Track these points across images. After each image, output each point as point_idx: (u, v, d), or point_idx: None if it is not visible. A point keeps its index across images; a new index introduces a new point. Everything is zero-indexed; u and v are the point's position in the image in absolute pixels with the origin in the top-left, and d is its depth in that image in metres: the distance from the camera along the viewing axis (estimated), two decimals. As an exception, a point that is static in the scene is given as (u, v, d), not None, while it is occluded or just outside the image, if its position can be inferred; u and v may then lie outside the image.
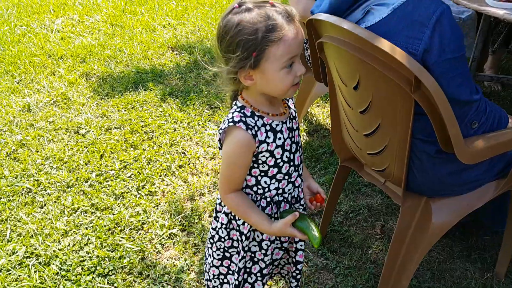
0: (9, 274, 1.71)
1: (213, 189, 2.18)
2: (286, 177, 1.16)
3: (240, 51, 0.99)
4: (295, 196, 1.22)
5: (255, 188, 1.14)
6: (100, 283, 1.68)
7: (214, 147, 2.49)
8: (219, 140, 1.11)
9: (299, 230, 1.11)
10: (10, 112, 2.79)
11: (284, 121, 1.13)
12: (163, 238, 1.88)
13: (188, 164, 2.34)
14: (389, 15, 1.17)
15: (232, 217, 1.18)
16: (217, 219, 1.22)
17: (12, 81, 3.16)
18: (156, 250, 1.83)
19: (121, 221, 1.96)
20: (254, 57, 0.99)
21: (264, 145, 1.09)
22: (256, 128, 1.07)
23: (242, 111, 1.08)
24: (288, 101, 1.20)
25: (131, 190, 2.14)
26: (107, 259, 1.77)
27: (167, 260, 1.79)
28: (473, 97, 1.26)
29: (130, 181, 2.21)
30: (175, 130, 2.64)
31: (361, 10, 1.21)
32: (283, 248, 1.26)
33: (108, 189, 2.15)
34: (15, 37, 3.84)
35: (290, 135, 1.15)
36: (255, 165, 1.12)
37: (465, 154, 1.22)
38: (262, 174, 1.13)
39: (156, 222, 1.96)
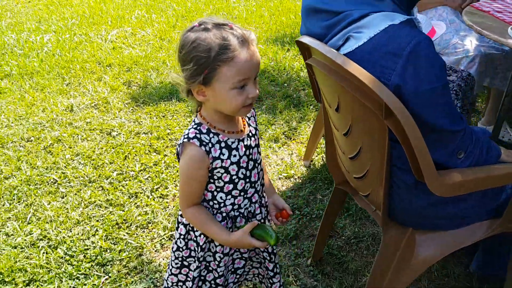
0: (22, 251, 1.89)
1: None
2: (242, 193, 1.19)
3: (192, 66, 1.04)
4: (252, 211, 1.25)
5: (211, 203, 1.19)
6: (97, 271, 1.82)
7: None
8: (177, 153, 1.16)
9: (258, 238, 1.14)
10: (54, 110, 3.06)
11: (241, 138, 1.16)
12: (163, 238, 2.00)
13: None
14: (365, 43, 1.18)
15: (190, 228, 1.23)
16: (177, 230, 1.26)
17: (62, 83, 3.47)
18: (155, 249, 1.95)
19: (129, 218, 2.10)
20: (205, 74, 1.04)
21: (218, 161, 1.12)
22: (210, 145, 1.11)
23: (198, 127, 1.12)
24: (248, 119, 1.23)
25: (145, 191, 2.29)
26: (108, 251, 1.91)
27: (163, 259, 1.89)
28: (456, 127, 1.25)
29: (146, 182, 2.35)
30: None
31: (342, 36, 1.26)
32: (244, 258, 1.30)
33: (124, 188, 2.31)
34: (72, 44, 4.21)
35: (247, 153, 1.18)
36: (211, 181, 1.16)
37: (438, 185, 1.20)
38: (218, 189, 1.17)
39: (161, 223, 2.08)
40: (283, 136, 2.80)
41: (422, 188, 1.26)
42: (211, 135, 1.12)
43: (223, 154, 1.13)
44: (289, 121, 2.93)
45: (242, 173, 1.17)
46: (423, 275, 1.81)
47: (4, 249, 1.89)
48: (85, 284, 1.75)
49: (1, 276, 1.77)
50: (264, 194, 1.32)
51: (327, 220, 1.84)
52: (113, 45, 4.27)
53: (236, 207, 1.21)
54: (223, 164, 1.13)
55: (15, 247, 1.91)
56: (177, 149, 1.15)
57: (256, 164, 1.21)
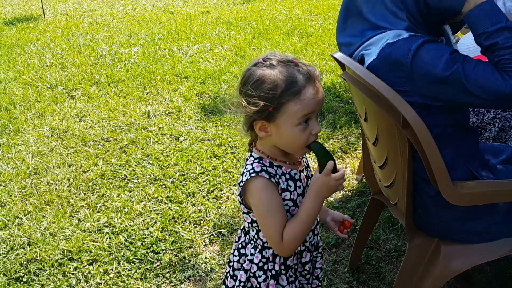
0: (89, 235, 2.14)
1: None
2: None
3: (258, 102, 1.02)
4: (314, 243, 1.23)
5: None
6: (151, 257, 2.00)
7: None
8: (240, 194, 1.11)
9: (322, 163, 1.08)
10: (133, 115, 3.39)
11: (301, 169, 1.15)
12: (212, 235, 2.14)
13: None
14: (374, 60, 1.23)
15: (251, 275, 1.17)
16: (234, 277, 1.21)
17: (142, 91, 3.82)
18: (204, 244, 2.10)
19: (184, 214, 2.28)
20: (271, 111, 1.03)
21: (287, 193, 1.10)
22: (277, 177, 1.08)
23: (260, 161, 1.09)
24: None
25: (201, 192, 2.46)
26: (162, 241, 2.10)
27: (210, 253, 2.04)
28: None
29: (203, 184, 2.53)
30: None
31: (356, 55, 1.31)
32: None
33: (184, 187, 2.50)
34: (156, 57, 4.61)
35: (308, 183, 1.15)
36: None
37: (452, 194, 1.21)
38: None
39: (212, 221, 2.23)
40: (340, 150, 2.83)
41: (444, 200, 1.26)
42: (275, 167, 1.10)
43: (290, 186, 1.11)
44: (348, 136, 2.96)
45: None
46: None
47: (75, 232, 2.16)
48: (139, 268, 1.95)
49: (70, 254, 2.02)
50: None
51: (364, 229, 1.87)
52: (192, 59, 4.60)
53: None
54: (292, 197, 1.11)
55: (84, 231, 2.17)
56: (239, 190, 1.11)
57: None
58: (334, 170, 1.09)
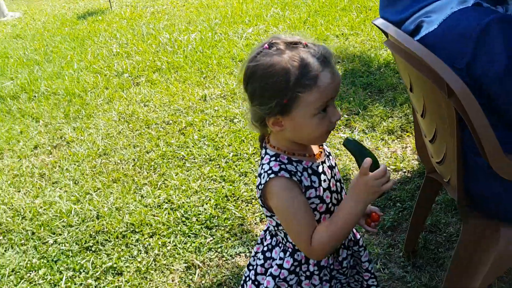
0: (150, 210, 2.32)
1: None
2: None
3: (269, 96, 0.91)
4: (351, 238, 1.13)
5: None
6: (204, 233, 2.14)
7: (339, 148, 2.70)
8: (260, 197, 1.01)
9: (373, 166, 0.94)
10: (191, 99, 3.55)
11: (323, 160, 1.04)
12: (263, 213, 2.23)
13: (307, 159, 2.63)
14: (437, 28, 1.18)
15: (280, 281, 1.08)
16: (256, 282, 1.12)
17: (200, 76, 3.97)
18: (255, 222, 2.19)
19: (236, 193, 2.39)
20: (285, 103, 0.91)
21: (312, 190, 0.99)
22: (299, 174, 0.97)
23: (278, 159, 0.98)
24: None
25: (253, 171, 2.56)
26: (216, 217, 2.22)
27: (260, 231, 2.13)
28: None
29: (255, 164, 2.62)
30: (310, 129, 2.94)
31: (413, 20, 1.27)
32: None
33: (237, 167, 2.61)
34: (213, 42, 4.74)
35: (333, 174, 1.05)
36: None
37: (504, 166, 1.14)
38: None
39: (263, 199, 2.32)
40: (400, 129, 2.78)
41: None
42: (295, 163, 0.99)
43: (314, 182, 1.00)
44: (408, 114, 2.88)
45: (335, 198, 1.05)
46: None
47: (138, 207, 2.35)
48: (194, 242, 2.09)
49: (133, 227, 2.22)
50: None
51: (419, 211, 1.81)
52: (247, 42, 4.67)
53: None
54: (317, 193, 1.00)
55: (146, 206, 2.35)
56: (259, 192, 1.01)
57: (342, 185, 1.09)
58: (373, 167, 0.94)
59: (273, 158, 0.99)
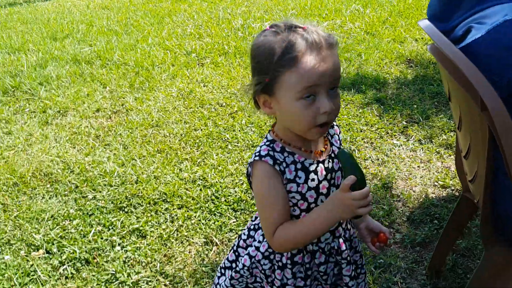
0: (184, 184, 2.39)
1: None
2: None
3: (256, 74, 0.94)
4: (335, 247, 1.07)
5: None
6: (229, 214, 2.16)
7: (384, 153, 2.58)
8: (247, 174, 1.02)
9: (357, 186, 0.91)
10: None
11: (321, 160, 1.01)
12: (291, 204, 2.21)
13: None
14: (483, 36, 1.09)
15: (255, 261, 1.09)
16: (236, 253, 1.15)
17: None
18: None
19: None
20: (268, 82, 0.91)
21: (293, 185, 0.97)
22: (284, 165, 0.96)
23: (271, 145, 0.98)
24: (331, 137, 1.07)
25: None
26: (244, 201, 2.23)
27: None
28: None
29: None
30: (361, 130, 2.85)
31: (463, 26, 1.19)
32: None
33: (277, 156, 2.60)
34: (284, 32, 4.73)
35: (329, 177, 1.01)
36: None
37: None
38: (293, 219, 1.01)
39: (294, 191, 2.29)
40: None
41: None
42: (286, 154, 0.98)
43: (299, 177, 0.97)
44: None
45: (322, 201, 1.01)
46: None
47: (174, 179, 2.43)
48: (217, 220, 2.12)
49: (165, 196, 2.30)
50: (350, 226, 1.14)
51: (450, 230, 1.70)
52: (318, 36, 4.59)
53: (314, 240, 1.04)
54: (299, 189, 0.98)
55: (181, 179, 2.43)
56: (247, 169, 1.02)
57: None
58: (357, 187, 0.90)
59: (267, 143, 1.00)
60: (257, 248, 1.10)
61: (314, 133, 0.95)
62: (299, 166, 0.99)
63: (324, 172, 1.01)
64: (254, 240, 1.12)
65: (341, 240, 1.08)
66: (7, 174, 2.51)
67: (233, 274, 1.13)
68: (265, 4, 6.00)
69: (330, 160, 1.03)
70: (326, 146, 1.05)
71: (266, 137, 1.04)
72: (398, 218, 2.09)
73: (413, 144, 2.66)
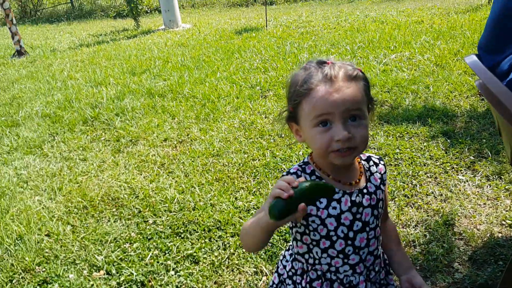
0: (239, 212, 2.43)
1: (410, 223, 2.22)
2: (341, 255, 1.03)
3: (287, 102, 1.03)
4: (354, 282, 1.06)
5: (306, 256, 1.07)
6: (281, 244, 2.15)
7: (448, 189, 2.44)
8: None
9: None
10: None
11: (349, 191, 1.02)
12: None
13: (414, 197, 2.44)
14: None
15: (283, 280, 1.14)
16: (276, 273, 1.20)
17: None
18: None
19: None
20: (292, 111, 1.01)
21: (314, 208, 1.00)
22: None
23: (303, 166, 1.04)
24: (371, 174, 1.07)
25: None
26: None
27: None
28: None
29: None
30: (425, 165, 2.73)
31: (508, 61, 1.14)
32: None
33: (333, 188, 2.57)
34: (349, 64, 4.72)
35: (354, 210, 1.02)
36: (306, 231, 1.03)
37: None
38: (314, 243, 1.04)
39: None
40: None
41: None
42: (314, 177, 1.02)
43: (321, 202, 1.00)
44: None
45: (342, 232, 1.02)
46: None
47: (229, 207, 2.49)
48: (268, 250, 2.12)
49: (220, 224, 2.35)
50: (378, 267, 1.12)
51: (509, 279, 1.56)
52: (385, 68, 4.53)
53: (333, 269, 1.05)
54: (319, 213, 1.00)
55: (236, 208, 2.48)
56: None
57: (367, 228, 1.04)
58: (325, 191, 0.92)
59: (301, 164, 1.06)
60: (284, 267, 1.16)
61: (333, 157, 0.97)
62: None
63: (349, 204, 1.02)
64: (285, 258, 1.19)
65: (361, 278, 1.07)
66: (78, 198, 2.74)
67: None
68: (332, 38, 6.06)
69: (360, 195, 1.04)
70: (359, 179, 1.05)
71: (303, 159, 1.09)
72: (459, 257, 1.95)
73: (480, 180, 2.49)
